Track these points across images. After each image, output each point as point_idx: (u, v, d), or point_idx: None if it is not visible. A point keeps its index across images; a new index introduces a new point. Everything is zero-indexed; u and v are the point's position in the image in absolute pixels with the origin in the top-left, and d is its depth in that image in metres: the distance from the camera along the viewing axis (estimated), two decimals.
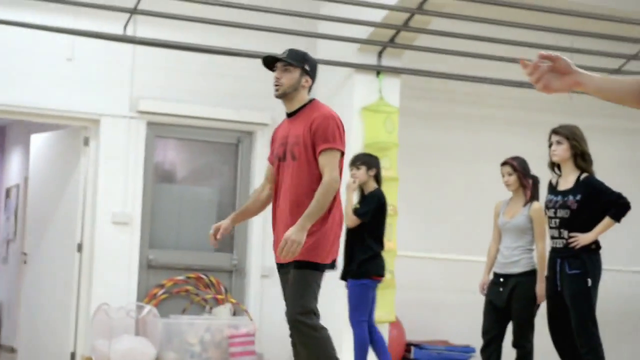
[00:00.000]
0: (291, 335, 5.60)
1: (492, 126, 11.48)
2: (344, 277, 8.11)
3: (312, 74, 5.66)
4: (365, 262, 7.99)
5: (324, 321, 5.61)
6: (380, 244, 8.08)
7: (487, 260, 7.68)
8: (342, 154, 5.54)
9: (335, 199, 5.51)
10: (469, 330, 10.35)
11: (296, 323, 5.43)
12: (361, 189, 8.18)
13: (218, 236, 5.69)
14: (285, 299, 5.56)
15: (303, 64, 5.62)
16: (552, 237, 7.00)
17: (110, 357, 9.44)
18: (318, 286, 5.52)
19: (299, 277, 5.45)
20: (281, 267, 5.66)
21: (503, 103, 11.48)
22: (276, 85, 5.61)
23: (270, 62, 5.67)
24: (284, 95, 5.62)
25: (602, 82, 3.01)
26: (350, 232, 8.10)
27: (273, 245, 5.70)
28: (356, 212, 8.02)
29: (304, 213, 5.34)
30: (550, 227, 7.02)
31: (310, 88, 5.71)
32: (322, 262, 5.49)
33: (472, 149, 11.39)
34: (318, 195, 5.36)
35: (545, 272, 7.12)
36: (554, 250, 7.00)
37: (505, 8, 9.80)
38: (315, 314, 5.46)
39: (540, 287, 7.27)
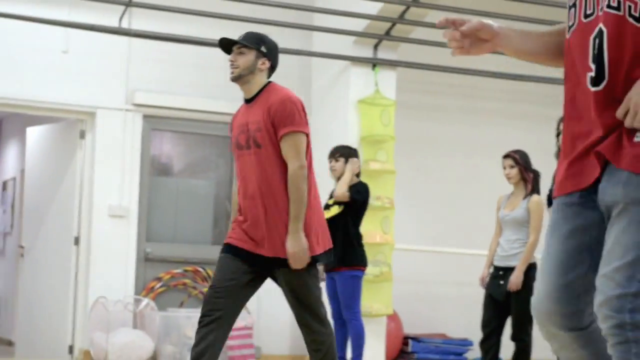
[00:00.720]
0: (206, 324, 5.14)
1: (489, 119, 11.47)
2: (328, 269, 8.06)
3: (270, 56, 5.41)
4: (354, 253, 7.99)
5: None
6: (360, 234, 8.11)
7: (488, 253, 7.67)
8: (306, 135, 5.27)
9: (310, 186, 5.27)
10: (466, 323, 10.36)
11: (311, 331, 5.30)
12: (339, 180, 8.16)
13: None
14: (292, 305, 5.31)
15: (259, 46, 5.38)
16: None
17: (108, 351, 9.43)
18: (317, 280, 5.31)
19: (298, 281, 5.24)
20: (251, 259, 5.26)
21: (500, 96, 11.47)
22: (231, 69, 5.39)
23: (229, 47, 5.46)
24: (239, 78, 5.37)
25: (518, 43, 2.92)
26: (330, 222, 8.05)
27: (233, 235, 5.32)
28: (351, 196, 7.99)
29: (290, 218, 5.14)
30: None
31: (270, 72, 5.45)
32: (312, 253, 5.21)
33: (469, 141, 11.39)
34: (291, 191, 5.16)
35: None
36: None
37: (502, 0, 9.79)
38: (325, 317, 5.32)
39: (516, 277, 7.25)
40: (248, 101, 5.45)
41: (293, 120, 5.21)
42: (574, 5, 2.74)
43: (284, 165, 5.23)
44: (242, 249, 5.27)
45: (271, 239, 5.21)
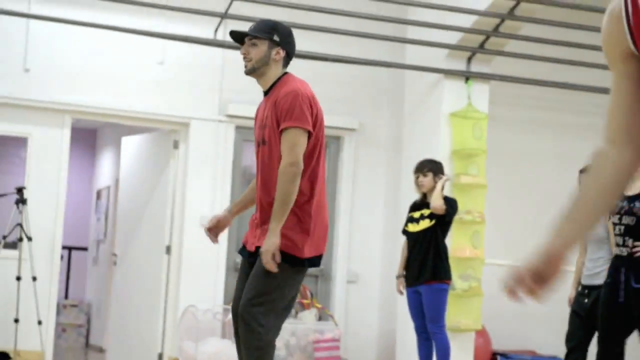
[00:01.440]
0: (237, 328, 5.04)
1: (581, 133, 11.32)
2: (413, 282, 8.01)
3: (283, 45, 5.08)
4: (442, 267, 7.94)
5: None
6: (447, 247, 8.08)
7: (574, 273, 7.55)
8: (309, 133, 4.91)
9: (315, 186, 4.94)
10: (556, 340, 10.21)
11: (245, 316, 4.86)
12: (425, 195, 8.12)
13: (216, 236, 5.28)
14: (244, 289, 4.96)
15: (271, 35, 5.04)
16: (617, 245, 6.73)
17: (196, 359, 9.51)
18: (286, 284, 4.92)
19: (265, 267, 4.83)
20: (250, 256, 5.07)
21: (593, 110, 11.31)
22: (244, 62, 5.09)
23: (242, 38, 5.18)
24: (253, 71, 5.06)
25: (575, 234, 2.54)
26: (419, 235, 8.00)
27: (246, 235, 5.16)
28: (447, 209, 7.94)
29: (271, 216, 4.81)
30: (615, 234, 6.75)
31: (286, 61, 5.14)
32: (299, 255, 4.93)
33: (561, 156, 11.25)
34: (278, 188, 4.80)
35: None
36: (617, 258, 6.67)
37: (597, 14, 9.66)
38: (267, 324, 4.89)
39: None
40: (266, 93, 5.12)
41: (292, 115, 4.85)
42: None
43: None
44: (249, 251, 5.09)
45: (262, 238, 4.92)
